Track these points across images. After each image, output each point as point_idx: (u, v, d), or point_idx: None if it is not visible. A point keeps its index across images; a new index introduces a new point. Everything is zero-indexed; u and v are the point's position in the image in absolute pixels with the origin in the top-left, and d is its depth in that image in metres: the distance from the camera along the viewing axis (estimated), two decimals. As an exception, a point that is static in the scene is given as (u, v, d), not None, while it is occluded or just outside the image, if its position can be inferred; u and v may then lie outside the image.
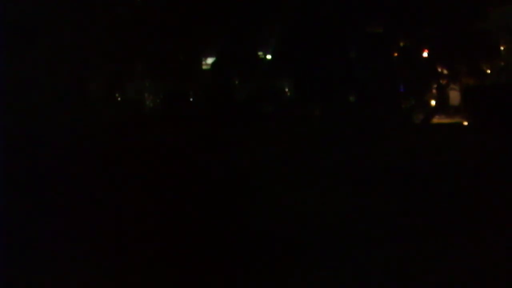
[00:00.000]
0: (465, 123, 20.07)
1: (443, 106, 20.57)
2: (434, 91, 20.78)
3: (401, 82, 20.58)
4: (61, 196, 13.11)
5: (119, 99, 20.69)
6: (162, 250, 11.06)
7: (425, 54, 20.68)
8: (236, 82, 20.95)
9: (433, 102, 20.70)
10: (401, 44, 20.78)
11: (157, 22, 20.00)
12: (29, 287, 9.80)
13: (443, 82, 20.63)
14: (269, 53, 20.88)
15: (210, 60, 21.05)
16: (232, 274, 10.16)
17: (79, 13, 18.98)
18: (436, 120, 20.57)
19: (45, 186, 13.51)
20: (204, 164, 16.03)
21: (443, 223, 12.04)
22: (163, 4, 20.04)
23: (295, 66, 20.29)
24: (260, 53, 20.96)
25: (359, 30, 20.24)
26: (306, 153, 16.68)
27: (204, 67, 21.14)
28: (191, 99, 20.84)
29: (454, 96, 20.71)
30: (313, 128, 19.32)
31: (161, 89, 20.65)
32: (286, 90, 20.85)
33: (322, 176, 14.89)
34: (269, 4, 20.18)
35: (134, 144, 17.27)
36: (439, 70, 20.72)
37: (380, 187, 14.12)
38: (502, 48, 20.47)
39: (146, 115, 20.48)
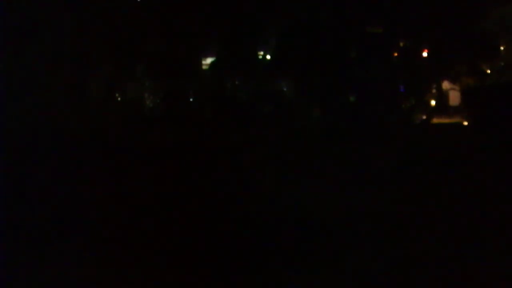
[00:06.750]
0: (465, 123, 20.08)
1: (443, 106, 20.60)
2: (434, 91, 20.81)
3: (401, 82, 20.60)
4: (60, 196, 13.12)
5: (119, 99, 20.70)
6: (163, 250, 11.08)
7: (425, 54, 20.70)
8: (236, 82, 20.97)
9: (433, 102, 20.72)
10: (401, 44, 20.80)
11: (157, 22, 20.02)
12: (29, 287, 9.82)
13: (443, 82, 20.67)
14: (269, 53, 20.89)
15: (210, 60, 21.07)
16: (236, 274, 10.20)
17: (79, 13, 19.00)
18: (436, 120, 20.58)
19: (45, 186, 13.52)
20: (204, 163, 16.04)
21: (443, 222, 12.06)
22: (163, 4, 20.05)
23: (295, 66, 20.30)
24: (260, 53, 20.98)
25: (359, 30, 20.26)
26: (306, 153, 16.69)
27: (204, 67, 21.16)
28: (191, 99, 20.85)
29: (454, 96, 20.73)
30: (313, 128, 19.34)
31: (161, 89, 20.66)
32: (286, 90, 20.86)
33: (322, 176, 14.91)
34: (269, 4, 20.19)
35: (133, 144, 17.29)
36: (439, 70, 20.75)
37: (380, 186, 14.14)
38: (502, 48, 20.49)
39: (145, 115, 20.49)
